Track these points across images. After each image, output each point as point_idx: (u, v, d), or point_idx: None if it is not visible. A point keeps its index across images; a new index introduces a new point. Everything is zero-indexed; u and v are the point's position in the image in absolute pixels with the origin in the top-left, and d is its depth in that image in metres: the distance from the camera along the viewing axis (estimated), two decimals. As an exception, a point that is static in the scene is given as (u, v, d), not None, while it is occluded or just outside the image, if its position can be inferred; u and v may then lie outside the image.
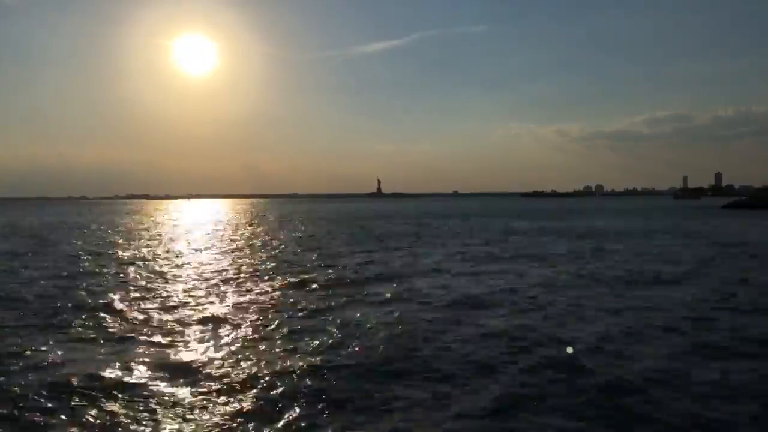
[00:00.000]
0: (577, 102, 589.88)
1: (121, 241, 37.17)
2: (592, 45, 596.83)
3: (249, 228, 51.83)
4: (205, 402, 7.89)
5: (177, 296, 15.91)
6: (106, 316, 13.39)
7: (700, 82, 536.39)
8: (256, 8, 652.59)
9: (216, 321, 12.81)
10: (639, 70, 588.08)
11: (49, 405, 7.75)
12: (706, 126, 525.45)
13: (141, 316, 13.28)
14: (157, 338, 11.32)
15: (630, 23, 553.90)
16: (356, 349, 10.58)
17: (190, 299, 15.42)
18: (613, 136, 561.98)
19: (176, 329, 12.09)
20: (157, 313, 13.69)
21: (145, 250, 29.72)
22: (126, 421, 7.25)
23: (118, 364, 9.59)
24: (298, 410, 7.63)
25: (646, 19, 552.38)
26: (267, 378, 8.86)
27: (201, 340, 11.19)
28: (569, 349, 10.53)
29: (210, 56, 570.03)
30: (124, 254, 27.64)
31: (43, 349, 10.49)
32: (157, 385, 8.57)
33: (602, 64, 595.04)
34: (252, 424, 7.18)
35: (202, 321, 12.84)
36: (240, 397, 8.07)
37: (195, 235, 43.03)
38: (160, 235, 42.10)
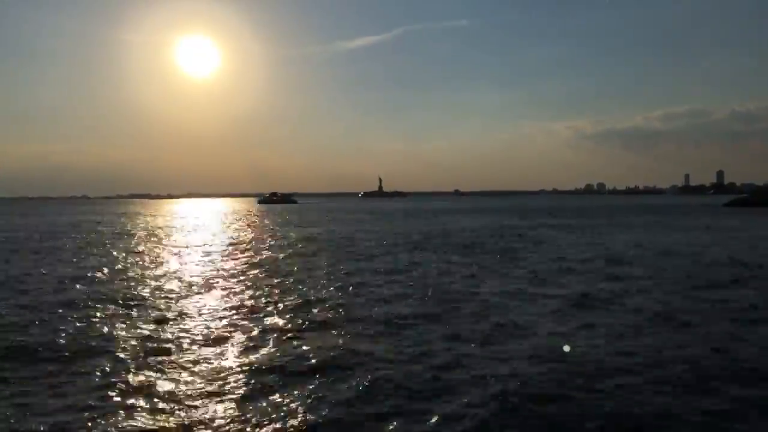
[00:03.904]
0: (591, 98, 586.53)
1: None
2: (611, 40, 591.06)
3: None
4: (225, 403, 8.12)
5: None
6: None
7: (719, 77, 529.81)
8: (254, 6, 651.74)
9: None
10: (656, 64, 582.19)
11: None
12: (722, 122, 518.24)
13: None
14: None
15: (647, 17, 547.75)
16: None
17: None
18: (627, 132, 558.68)
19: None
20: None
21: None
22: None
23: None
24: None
25: (666, 12, 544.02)
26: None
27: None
28: (566, 348, 10.72)
29: (210, 55, 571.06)
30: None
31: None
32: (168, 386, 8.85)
33: (619, 58, 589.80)
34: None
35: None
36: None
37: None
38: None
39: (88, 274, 20.91)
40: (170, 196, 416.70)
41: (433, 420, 7.38)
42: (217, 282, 18.97)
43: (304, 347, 10.77)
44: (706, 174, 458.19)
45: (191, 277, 20.33)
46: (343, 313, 13.83)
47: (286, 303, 15.12)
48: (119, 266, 23.53)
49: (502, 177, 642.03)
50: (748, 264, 22.09)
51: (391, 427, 7.19)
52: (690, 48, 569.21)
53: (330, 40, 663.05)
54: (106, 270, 22.19)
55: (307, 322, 12.81)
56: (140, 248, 32.16)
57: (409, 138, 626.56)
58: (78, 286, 18.24)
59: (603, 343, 10.89)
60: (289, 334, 11.78)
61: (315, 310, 14.15)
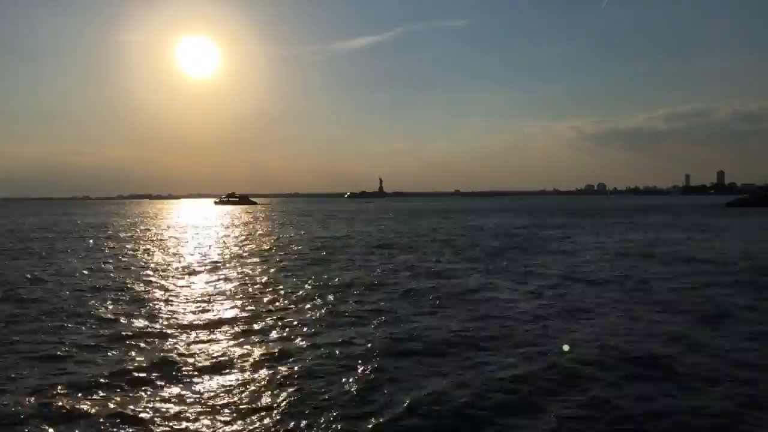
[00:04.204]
0: (593, 98, 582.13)
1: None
2: (613, 39, 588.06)
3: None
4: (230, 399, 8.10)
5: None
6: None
7: (722, 77, 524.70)
8: (254, 6, 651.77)
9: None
10: (659, 64, 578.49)
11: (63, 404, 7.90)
12: (724, 121, 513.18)
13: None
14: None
15: (649, 16, 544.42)
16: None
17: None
18: (628, 132, 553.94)
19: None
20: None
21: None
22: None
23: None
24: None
25: (669, 12, 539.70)
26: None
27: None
28: (565, 347, 10.64)
29: (210, 55, 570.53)
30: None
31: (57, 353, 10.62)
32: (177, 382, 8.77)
33: (621, 58, 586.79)
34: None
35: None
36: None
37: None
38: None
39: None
40: (170, 197, 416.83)
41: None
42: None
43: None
44: (706, 174, 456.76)
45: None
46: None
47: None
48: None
49: (503, 177, 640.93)
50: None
51: None
52: (693, 48, 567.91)
53: (329, 40, 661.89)
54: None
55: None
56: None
57: (411, 138, 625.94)
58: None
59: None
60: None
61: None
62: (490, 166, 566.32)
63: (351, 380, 8.98)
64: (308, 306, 14.83)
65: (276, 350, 10.61)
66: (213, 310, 14.22)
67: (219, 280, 19.59)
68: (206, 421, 7.45)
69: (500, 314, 13.63)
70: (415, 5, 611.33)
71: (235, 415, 7.67)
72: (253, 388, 8.71)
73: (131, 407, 7.90)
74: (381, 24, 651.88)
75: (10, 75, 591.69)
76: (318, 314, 13.83)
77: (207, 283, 18.96)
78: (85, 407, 7.88)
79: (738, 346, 10.77)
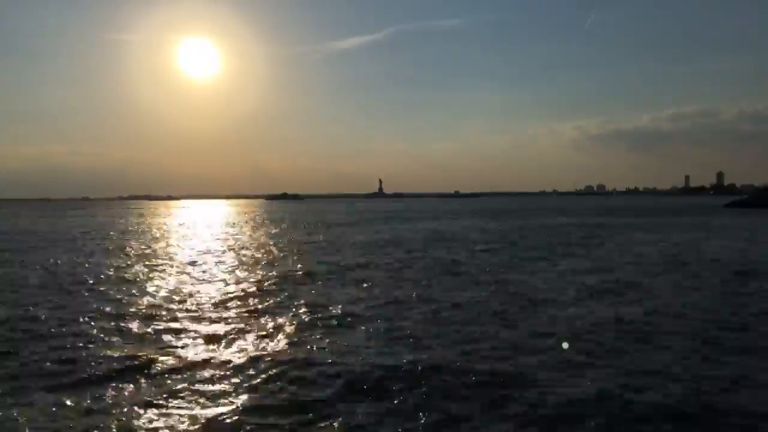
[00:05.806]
0: (596, 98, 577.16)
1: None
2: (621, 39, 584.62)
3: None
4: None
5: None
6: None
7: (728, 77, 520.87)
8: (253, 7, 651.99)
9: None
10: (665, 64, 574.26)
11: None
12: (729, 122, 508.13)
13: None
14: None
15: (658, 16, 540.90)
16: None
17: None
18: (632, 133, 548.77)
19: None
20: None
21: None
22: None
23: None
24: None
25: (675, 11, 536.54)
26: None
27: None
28: (564, 345, 10.54)
29: (209, 56, 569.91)
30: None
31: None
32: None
33: (623, 58, 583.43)
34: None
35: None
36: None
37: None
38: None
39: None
40: (170, 197, 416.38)
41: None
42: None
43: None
44: (708, 175, 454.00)
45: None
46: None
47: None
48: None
49: (502, 178, 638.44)
50: None
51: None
52: (700, 48, 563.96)
53: (327, 40, 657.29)
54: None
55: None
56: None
57: (411, 139, 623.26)
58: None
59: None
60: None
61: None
62: (491, 167, 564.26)
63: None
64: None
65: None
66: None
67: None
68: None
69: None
70: (405, 5, 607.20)
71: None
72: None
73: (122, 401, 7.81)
74: (375, 23, 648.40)
75: (10, 74, 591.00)
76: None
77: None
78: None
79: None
